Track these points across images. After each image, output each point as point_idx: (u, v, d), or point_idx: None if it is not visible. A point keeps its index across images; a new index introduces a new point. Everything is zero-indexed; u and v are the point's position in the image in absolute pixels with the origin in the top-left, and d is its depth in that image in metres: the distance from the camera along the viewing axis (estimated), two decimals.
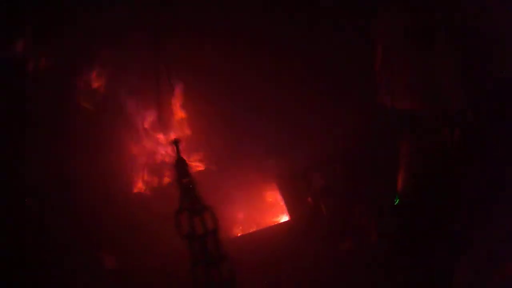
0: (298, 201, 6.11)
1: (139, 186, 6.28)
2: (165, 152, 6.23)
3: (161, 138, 6.24)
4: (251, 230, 6.14)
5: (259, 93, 6.07)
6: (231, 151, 6.15)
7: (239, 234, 6.13)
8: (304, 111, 6.05)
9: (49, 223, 5.67)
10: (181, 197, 3.45)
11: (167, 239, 5.62)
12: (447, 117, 4.66)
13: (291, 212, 6.08)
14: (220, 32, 5.94)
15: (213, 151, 6.17)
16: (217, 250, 3.33)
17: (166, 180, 6.24)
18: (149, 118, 6.22)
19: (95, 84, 6.04)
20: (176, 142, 3.70)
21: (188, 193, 3.46)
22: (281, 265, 5.57)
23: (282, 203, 6.20)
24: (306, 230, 5.84)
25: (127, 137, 6.20)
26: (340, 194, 5.86)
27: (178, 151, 3.65)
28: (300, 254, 5.61)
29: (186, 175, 3.52)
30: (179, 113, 5.97)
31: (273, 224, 6.17)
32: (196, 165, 6.02)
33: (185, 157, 3.69)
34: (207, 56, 5.98)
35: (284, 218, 6.18)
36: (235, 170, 6.12)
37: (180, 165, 3.54)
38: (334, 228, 5.77)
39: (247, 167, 6.15)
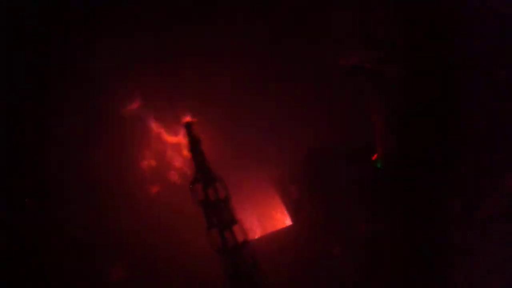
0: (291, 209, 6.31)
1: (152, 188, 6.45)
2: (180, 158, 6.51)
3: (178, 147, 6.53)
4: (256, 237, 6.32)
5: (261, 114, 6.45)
6: (241, 167, 6.43)
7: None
8: (294, 127, 6.40)
9: (52, 224, 5.72)
10: (195, 171, 3.64)
11: (170, 236, 5.73)
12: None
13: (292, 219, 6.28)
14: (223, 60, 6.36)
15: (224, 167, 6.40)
16: (229, 215, 3.49)
17: (179, 181, 6.44)
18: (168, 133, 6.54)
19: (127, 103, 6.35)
20: (187, 124, 3.89)
21: (201, 167, 3.65)
22: (280, 267, 5.68)
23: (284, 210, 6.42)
24: (296, 236, 6.01)
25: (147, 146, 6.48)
26: (315, 205, 6.08)
27: (191, 132, 3.83)
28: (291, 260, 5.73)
29: (199, 151, 3.71)
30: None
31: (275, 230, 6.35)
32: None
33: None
34: (214, 82, 6.40)
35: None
36: (243, 182, 6.39)
37: (194, 143, 3.74)
38: (317, 234, 5.94)
39: (254, 180, 6.45)
